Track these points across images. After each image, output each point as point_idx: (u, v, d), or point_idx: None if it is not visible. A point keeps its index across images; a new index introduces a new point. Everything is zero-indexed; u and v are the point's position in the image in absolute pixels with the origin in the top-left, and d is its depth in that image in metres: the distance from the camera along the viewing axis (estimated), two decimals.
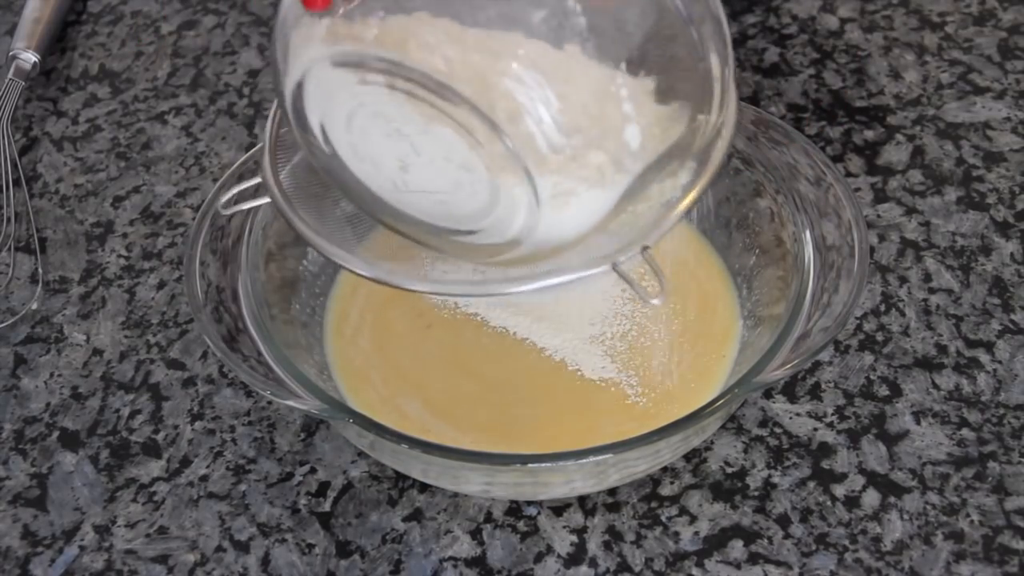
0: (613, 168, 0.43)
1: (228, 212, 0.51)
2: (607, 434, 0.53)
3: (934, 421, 0.56)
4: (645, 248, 0.45)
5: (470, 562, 0.53)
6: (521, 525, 0.54)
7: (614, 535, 0.53)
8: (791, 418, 0.57)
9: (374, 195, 0.46)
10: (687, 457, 0.55)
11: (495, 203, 0.43)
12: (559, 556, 0.53)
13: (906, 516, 0.53)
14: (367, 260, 0.48)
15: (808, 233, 0.55)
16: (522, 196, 0.42)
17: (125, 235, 0.67)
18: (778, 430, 0.56)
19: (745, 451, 0.55)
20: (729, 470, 0.55)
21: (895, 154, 0.68)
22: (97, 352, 0.61)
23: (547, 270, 0.46)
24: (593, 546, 0.53)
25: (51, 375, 0.61)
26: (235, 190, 0.52)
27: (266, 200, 0.51)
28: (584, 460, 0.49)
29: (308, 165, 0.50)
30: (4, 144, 0.69)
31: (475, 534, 0.53)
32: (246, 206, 0.52)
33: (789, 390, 0.58)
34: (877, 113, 0.70)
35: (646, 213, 0.47)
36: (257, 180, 0.51)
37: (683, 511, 0.54)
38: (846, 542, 0.52)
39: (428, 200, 0.45)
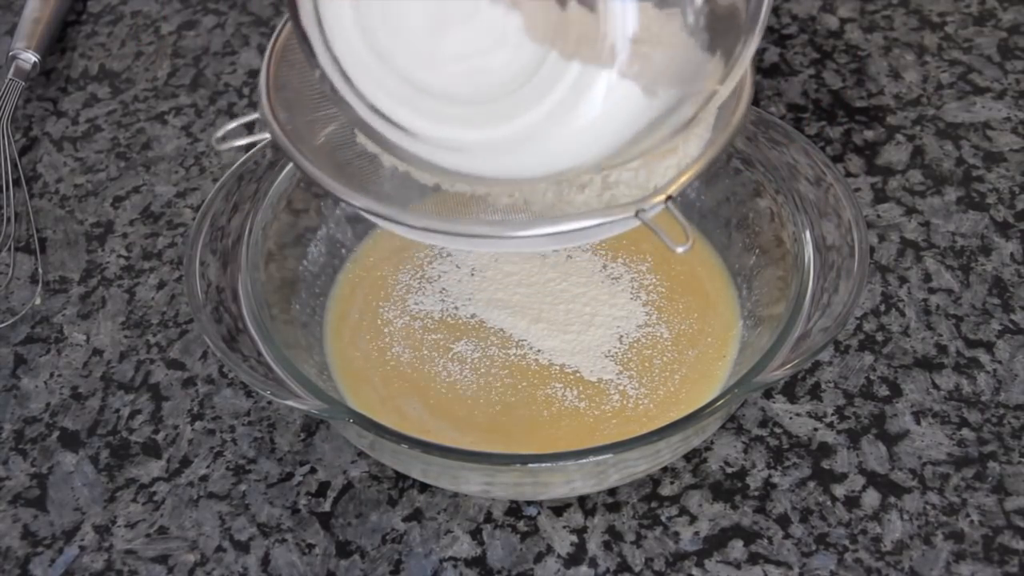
0: (665, 72, 0.43)
1: (223, 148, 0.49)
2: (607, 434, 0.54)
3: (934, 421, 0.56)
4: (669, 198, 0.45)
5: (470, 562, 0.53)
6: (521, 525, 0.54)
7: (614, 535, 0.53)
8: (791, 418, 0.57)
9: (400, 78, 0.44)
10: (687, 457, 0.55)
11: (539, 66, 0.42)
12: (559, 556, 0.53)
13: (906, 516, 0.53)
14: (372, 194, 0.47)
15: (808, 233, 0.55)
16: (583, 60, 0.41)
17: (125, 235, 0.67)
18: (778, 430, 0.56)
19: (745, 451, 0.55)
20: (729, 470, 0.55)
21: (895, 154, 0.68)
22: (97, 352, 0.61)
23: (569, 214, 0.45)
24: (593, 546, 0.53)
25: (51, 375, 0.61)
26: (230, 125, 0.50)
27: (265, 137, 0.49)
28: (584, 460, 0.49)
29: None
30: (4, 144, 0.69)
31: (475, 534, 0.53)
32: (240, 142, 0.50)
33: (789, 390, 0.58)
34: (877, 113, 0.70)
35: (670, 168, 0.47)
36: (255, 116, 0.49)
37: (683, 511, 0.54)
38: (846, 542, 0.52)
39: (459, 72, 0.43)
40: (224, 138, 0.50)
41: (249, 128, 0.51)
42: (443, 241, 0.48)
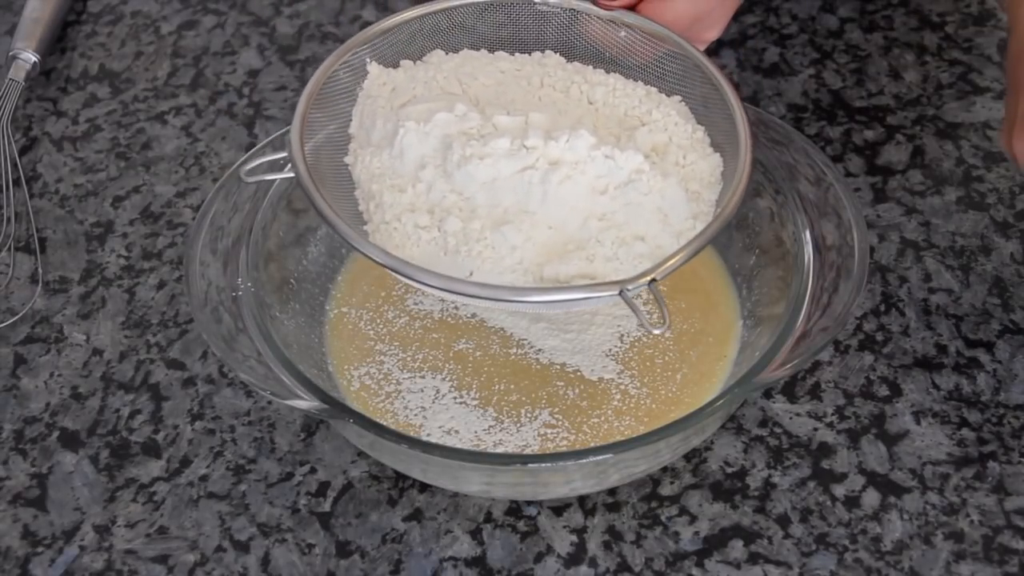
0: None
1: (251, 180, 0.52)
2: (607, 434, 0.54)
3: (934, 421, 0.56)
4: (652, 280, 0.47)
5: (470, 562, 0.53)
6: (521, 525, 0.54)
7: (614, 535, 0.53)
8: (791, 418, 0.57)
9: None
10: (687, 457, 0.55)
11: None
12: (559, 556, 0.53)
13: (906, 516, 0.53)
14: (383, 248, 0.49)
15: (808, 233, 0.55)
16: None
17: (125, 235, 0.67)
18: (778, 430, 0.56)
19: (745, 451, 0.55)
20: (729, 470, 0.55)
21: (895, 154, 0.68)
22: (97, 352, 0.61)
23: (556, 287, 0.48)
24: (593, 546, 0.53)
25: (51, 375, 0.61)
26: (260, 160, 0.52)
27: (288, 175, 0.51)
28: (584, 460, 0.49)
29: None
30: (4, 144, 0.69)
31: (475, 534, 0.53)
32: (269, 177, 0.52)
33: (789, 390, 0.58)
34: (877, 113, 0.70)
35: (659, 249, 0.49)
36: (282, 154, 0.51)
37: (683, 511, 0.54)
38: (846, 542, 0.52)
39: None
40: (252, 171, 0.52)
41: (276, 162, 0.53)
42: (447, 296, 0.51)
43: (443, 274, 0.48)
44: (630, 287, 0.46)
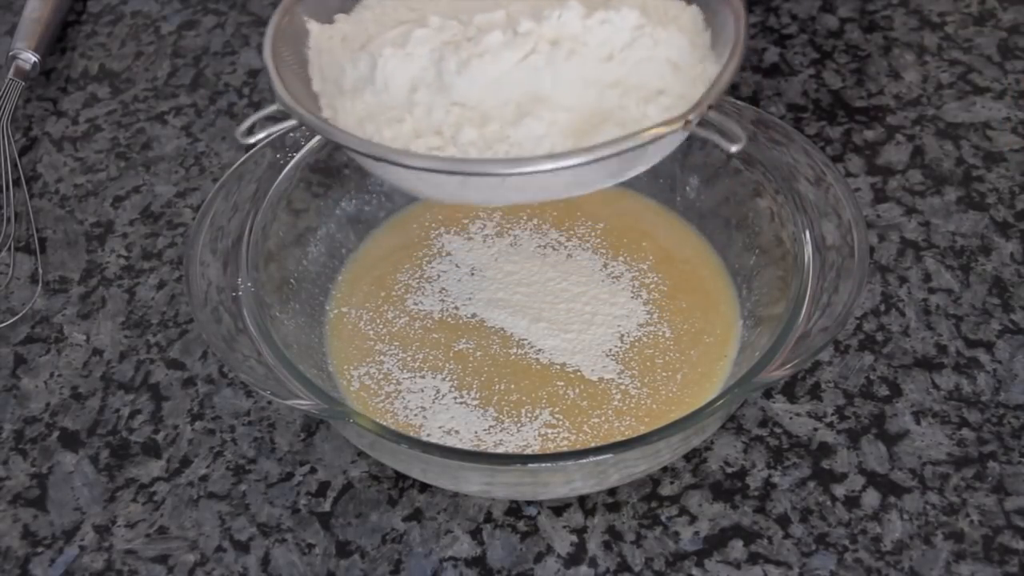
0: None
1: (248, 141, 0.49)
2: (607, 434, 0.54)
3: (934, 421, 0.56)
4: (710, 107, 0.46)
5: (470, 562, 0.53)
6: (521, 525, 0.54)
7: (614, 535, 0.53)
8: (791, 418, 0.57)
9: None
10: (687, 457, 0.55)
11: None
12: (559, 556, 0.53)
13: (906, 516, 0.53)
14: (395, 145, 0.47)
15: (808, 233, 0.55)
16: None
17: (125, 235, 0.67)
18: (778, 430, 0.56)
19: (745, 451, 0.56)
20: (729, 470, 0.55)
21: (895, 154, 0.68)
22: (97, 352, 0.61)
23: (623, 136, 0.46)
24: (593, 546, 0.53)
25: (51, 375, 0.61)
26: (252, 119, 0.49)
27: (289, 124, 0.49)
28: (584, 460, 0.49)
29: None
30: (4, 144, 0.69)
31: (475, 534, 0.54)
32: (265, 132, 0.49)
33: (789, 390, 0.58)
34: (877, 113, 0.70)
35: (682, 98, 0.48)
36: (273, 107, 0.49)
37: (683, 511, 0.54)
38: (846, 542, 0.52)
39: None
40: (251, 130, 0.49)
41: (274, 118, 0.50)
42: (502, 198, 0.49)
43: (503, 158, 0.46)
44: (691, 118, 0.45)
